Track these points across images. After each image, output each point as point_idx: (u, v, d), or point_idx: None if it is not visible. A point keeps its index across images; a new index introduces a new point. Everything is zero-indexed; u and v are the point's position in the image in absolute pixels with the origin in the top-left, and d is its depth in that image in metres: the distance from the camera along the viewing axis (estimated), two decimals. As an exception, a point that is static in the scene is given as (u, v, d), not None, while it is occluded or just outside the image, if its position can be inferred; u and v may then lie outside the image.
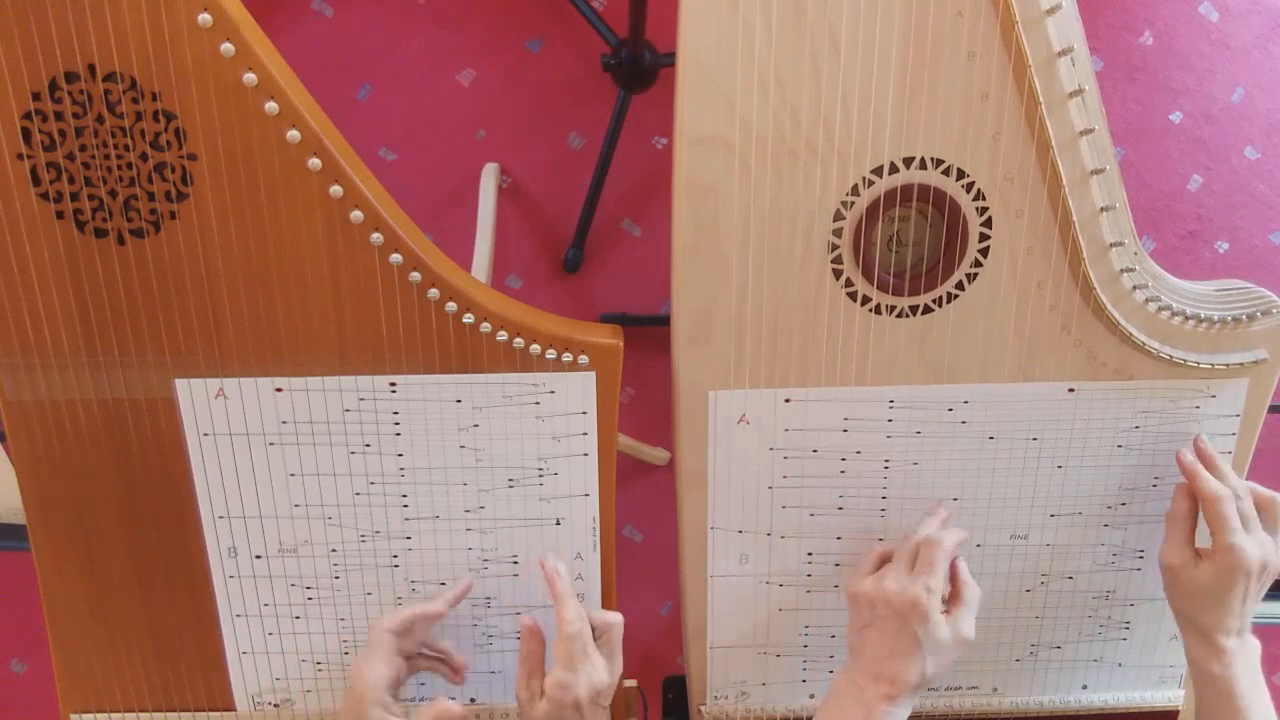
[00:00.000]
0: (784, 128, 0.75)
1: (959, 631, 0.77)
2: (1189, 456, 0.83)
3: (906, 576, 0.77)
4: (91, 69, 0.70)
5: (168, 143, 0.72)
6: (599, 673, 0.77)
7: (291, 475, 0.83)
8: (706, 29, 0.72)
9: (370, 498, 0.84)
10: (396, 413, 0.81)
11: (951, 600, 0.79)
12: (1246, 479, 0.86)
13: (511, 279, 1.57)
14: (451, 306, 0.77)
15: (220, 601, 0.86)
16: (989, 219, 0.78)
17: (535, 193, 1.57)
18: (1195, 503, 0.82)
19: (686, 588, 0.89)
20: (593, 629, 0.79)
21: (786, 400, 0.83)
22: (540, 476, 0.84)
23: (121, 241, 0.75)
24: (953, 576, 0.80)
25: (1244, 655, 0.80)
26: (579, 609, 0.78)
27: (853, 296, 0.80)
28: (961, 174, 0.77)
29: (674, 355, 0.81)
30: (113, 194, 0.73)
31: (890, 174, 0.76)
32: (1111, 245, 0.79)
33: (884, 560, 0.81)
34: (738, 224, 0.77)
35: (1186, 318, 0.82)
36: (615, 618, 0.80)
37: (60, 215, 0.74)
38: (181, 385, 0.79)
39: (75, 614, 0.86)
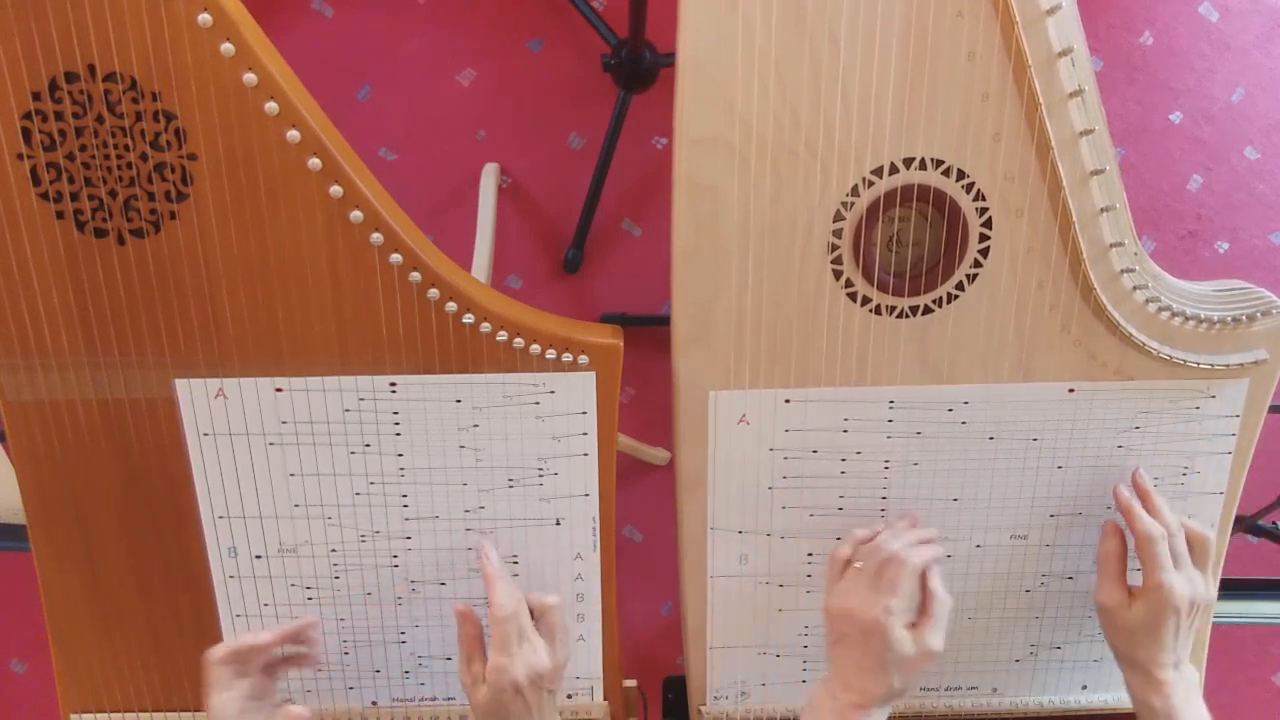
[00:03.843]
0: (784, 127, 0.75)
1: (924, 646, 0.76)
2: (1125, 493, 0.84)
3: (870, 595, 0.77)
4: (91, 69, 0.70)
5: (168, 143, 0.72)
6: (538, 655, 0.77)
7: (291, 475, 0.83)
8: (706, 29, 0.72)
9: (370, 498, 0.84)
10: (396, 413, 0.81)
11: (920, 613, 0.78)
12: (1245, 479, 0.86)
13: (511, 279, 1.57)
14: (451, 306, 0.77)
15: (220, 601, 0.86)
16: (989, 219, 0.78)
17: (535, 193, 1.57)
18: (1124, 541, 0.83)
19: (686, 588, 0.89)
20: (532, 612, 0.79)
21: (786, 400, 0.83)
22: (540, 476, 0.84)
23: (121, 241, 0.75)
24: (923, 588, 0.78)
25: (1182, 686, 0.80)
26: (511, 591, 0.78)
27: (853, 297, 0.80)
28: (961, 174, 0.77)
29: (674, 355, 0.81)
30: (113, 194, 0.73)
31: (890, 174, 0.76)
32: (1111, 246, 0.79)
33: (846, 565, 0.80)
34: (738, 224, 0.77)
35: (1186, 318, 0.81)
36: (552, 599, 0.79)
37: (60, 215, 0.74)
38: (181, 385, 0.79)
39: (75, 614, 0.86)
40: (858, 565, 0.79)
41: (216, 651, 0.78)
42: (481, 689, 0.76)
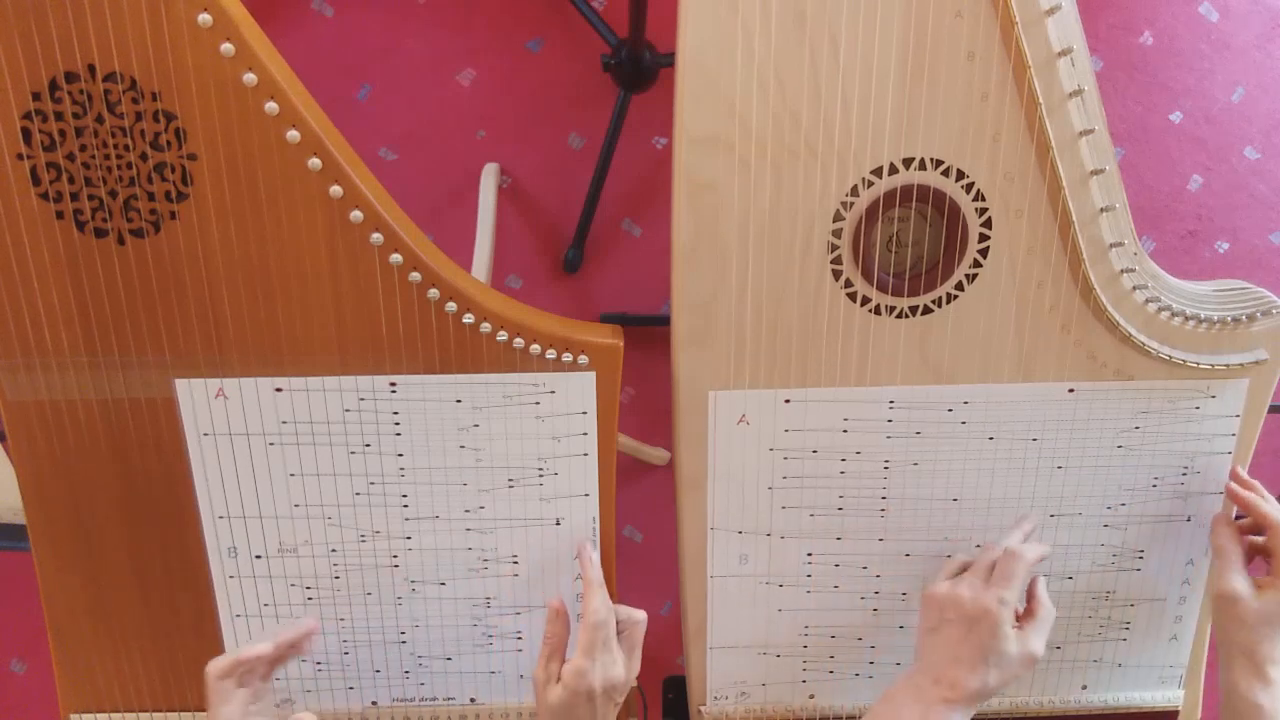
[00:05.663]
0: (784, 128, 0.75)
1: (1027, 648, 0.76)
2: (1239, 486, 0.84)
3: (982, 585, 0.77)
4: (91, 69, 0.70)
5: (168, 143, 0.72)
6: (616, 667, 0.77)
7: (291, 475, 0.83)
8: (706, 29, 0.72)
9: (370, 498, 0.84)
10: (396, 413, 0.81)
11: (1024, 617, 0.78)
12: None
13: (511, 279, 1.57)
14: (451, 306, 0.77)
15: (220, 601, 0.86)
16: (989, 219, 0.78)
17: (535, 193, 1.57)
18: (1237, 530, 0.83)
19: (686, 588, 0.89)
20: (617, 623, 0.80)
21: (786, 400, 0.83)
22: (540, 476, 0.84)
23: (121, 241, 0.75)
24: (1030, 594, 0.79)
25: None
26: (606, 599, 0.79)
27: (852, 297, 0.80)
28: (961, 174, 0.77)
29: (674, 355, 0.81)
30: (113, 194, 0.73)
31: (890, 174, 0.76)
32: (1111, 246, 0.79)
33: (964, 568, 0.81)
34: (738, 224, 0.77)
35: (1186, 318, 0.82)
36: (640, 615, 0.81)
37: (60, 215, 0.74)
38: (181, 385, 0.79)
39: (75, 614, 0.86)
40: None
41: (218, 665, 0.77)
42: (555, 689, 0.77)
